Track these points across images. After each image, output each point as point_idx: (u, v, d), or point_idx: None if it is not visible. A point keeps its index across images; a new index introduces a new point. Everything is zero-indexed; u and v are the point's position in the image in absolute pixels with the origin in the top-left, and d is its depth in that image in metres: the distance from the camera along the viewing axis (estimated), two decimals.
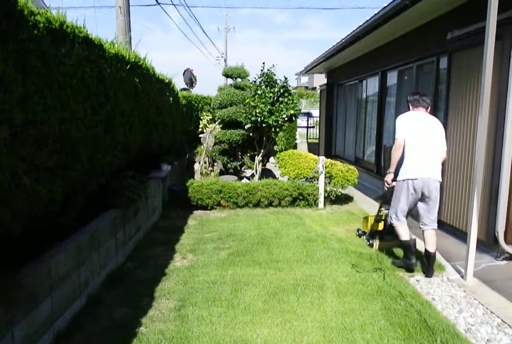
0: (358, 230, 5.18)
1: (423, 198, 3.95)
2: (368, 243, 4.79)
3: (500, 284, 3.69)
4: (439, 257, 4.34)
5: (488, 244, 4.41)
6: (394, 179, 4.10)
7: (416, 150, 3.91)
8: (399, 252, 4.45)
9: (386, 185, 4.18)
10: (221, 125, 8.81)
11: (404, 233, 4.08)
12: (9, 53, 2.11)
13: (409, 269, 4.01)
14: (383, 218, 4.62)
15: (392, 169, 4.08)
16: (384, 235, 4.61)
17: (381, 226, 4.63)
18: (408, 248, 4.05)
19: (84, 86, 3.07)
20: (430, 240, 3.96)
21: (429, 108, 4.13)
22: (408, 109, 4.18)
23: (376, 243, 4.64)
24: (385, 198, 4.54)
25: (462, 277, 3.85)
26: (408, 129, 3.97)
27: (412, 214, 4.18)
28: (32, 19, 2.35)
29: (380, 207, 4.68)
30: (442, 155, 4.01)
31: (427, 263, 3.95)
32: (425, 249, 3.97)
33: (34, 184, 2.32)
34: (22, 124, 2.20)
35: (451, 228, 5.20)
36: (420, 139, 3.92)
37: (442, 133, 4.03)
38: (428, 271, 3.94)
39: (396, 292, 3.50)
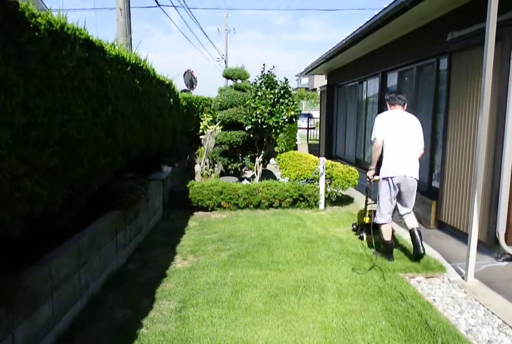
0: (353, 224, 5.45)
1: (400, 193, 4.25)
2: (358, 236, 5.10)
3: (501, 285, 3.69)
4: (439, 258, 4.34)
5: (488, 245, 4.40)
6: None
7: (393, 149, 4.18)
8: (398, 251, 4.46)
9: (367, 180, 4.62)
10: (221, 127, 8.82)
11: (386, 233, 4.33)
12: (10, 56, 2.12)
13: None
14: (368, 213, 4.92)
15: (372, 166, 4.49)
16: (372, 228, 4.72)
17: (368, 219, 4.90)
18: (387, 247, 4.34)
19: (85, 88, 3.07)
20: (410, 221, 4.30)
21: (406, 105, 4.38)
22: (386, 108, 4.45)
23: (365, 235, 4.96)
24: (369, 193, 4.86)
25: (463, 278, 3.85)
26: (385, 129, 4.22)
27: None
28: (33, 21, 2.36)
29: (366, 201, 4.95)
30: (419, 152, 4.27)
31: (417, 239, 4.15)
32: (409, 229, 4.26)
33: (35, 186, 2.32)
34: (23, 126, 2.21)
35: (452, 229, 5.20)
36: (397, 139, 4.18)
37: (418, 130, 4.28)
38: (418, 247, 4.12)
39: (397, 293, 3.50)
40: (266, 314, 3.15)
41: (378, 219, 4.34)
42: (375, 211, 4.58)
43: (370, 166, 4.55)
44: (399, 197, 4.29)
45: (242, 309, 3.23)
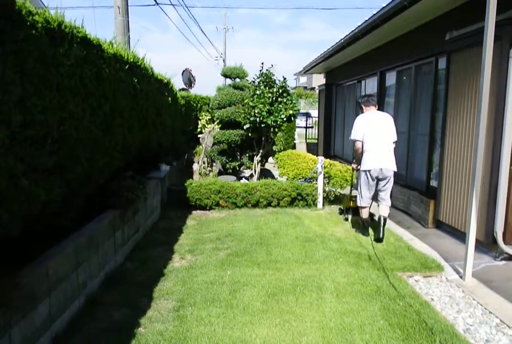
0: (339, 208, 6.32)
1: (378, 182, 4.99)
2: (344, 217, 5.98)
3: (498, 284, 3.70)
4: (437, 257, 4.35)
5: (486, 244, 4.41)
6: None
7: (370, 145, 4.90)
8: (397, 251, 4.47)
9: (351, 169, 5.70)
10: (220, 125, 8.81)
11: (364, 213, 5.23)
12: (7, 54, 2.10)
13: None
14: (353, 198, 5.74)
15: (355, 161, 5.31)
16: (356, 210, 5.63)
17: (353, 203, 5.69)
18: (364, 224, 5.24)
19: (83, 86, 3.06)
20: (382, 210, 5.07)
21: (377, 105, 5.22)
22: (362, 110, 5.23)
23: (350, 217, 5.88)
24: (352, 183, 5.97)
25: (460, 277, 3.86)
26: (364, 130, 4.95)
27: (372, 197, 5.19)
28: (30, 19, 2.34)
29: (351, 187, 6.02)
30: (392, 146, 4.99)
31: (380, 226, 4.91)
32: (378, 216, 5.04)
33: (32, 185, 2.32)
34: (21, 125, 2.20)
35: (449, 228, 5.21)
36: (373, 137, 4.89)
37: (392, 127, 5.01)
38: (379, 233, 4.88)
39: (395, 293, 3.51)
40: (264, 313, 3.14)
41: (359, 203, 5.18)
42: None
43: (354, 160, 5.44)
44: (377, 185, 5.03)
45: (240, 308, 3.23)
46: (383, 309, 3.22)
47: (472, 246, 3.76)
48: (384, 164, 4.86)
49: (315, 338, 2.80)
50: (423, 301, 3.37)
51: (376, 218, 5.27)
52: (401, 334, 2.85)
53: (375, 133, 4.91)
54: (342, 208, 6.22)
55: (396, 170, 4.95)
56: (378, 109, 5.29)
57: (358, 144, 5.04)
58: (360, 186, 5.12)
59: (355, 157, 5.29)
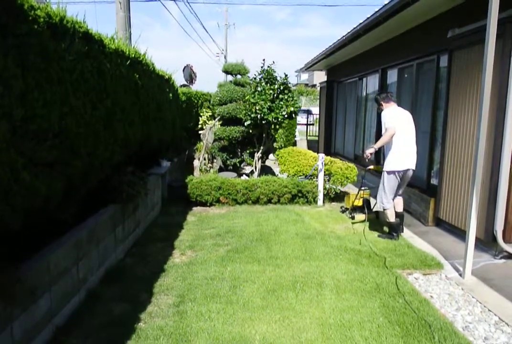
0: (341, 207, 6.25)
1: (400, 182, 4.87)
2: (350, 216, 5.83)
3: (498, 282, 3.71)
4: (437, 255, 4.36)
5: (486, 242, 4.42)
6: (376, 165, 5.21)
7: (401, 143, 4.69)
8: (396, 248, 4.47)
9: (365, 156, 4.93)
10: (220, 122, 8.80)
11: (391, 215, 4.92)
12: (9, 48, 2.10)
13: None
14: (362, 196, 5.70)
15: (376, 146, 4.86)
16: (363, 209, 5.60)
17: (360, 202, 5.68)
18: (393, 227, 4.94)
19: (84, 81, 3.06)
20: (398, 204, 5.02)
21: (396, 102, 4.97)
22: (381, 107, 4.95)
23: (357, 216, 5.70)
24: (363, 179, 5.77)
25: (460, 275, 3.86)
26: (397, 121, 4.69)
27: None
28: (32, 13, 2.33)
29: (361, 187, 5.74)
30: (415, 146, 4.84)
31: (402, 222, 5.01)
32: (395, 211, 4.93)
33: (33, 180, 2.32)
34: (22, 119, 2.20)
35: (449, 226, 5.21)
36: (403, 133, 4.70)
37: (413, 124, 4.85)
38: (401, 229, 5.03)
39: (394, 290, 3.51)
40: (263, 309, 3.15)
41: (386, 205, 4.88)
42: (366, 199, 5.68)
43: (374, 145, 4.93)
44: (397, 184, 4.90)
45: (240, 304, 3.24)
46: (382, 306, 3.23)
47: (472, 244, 3.76)
48: (412, 165, 4.78)
49: (315, 335, 2.81)
50: (422, 298, 3.38)
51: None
52: (400, 331, 2.86)
53: (404, 130, 4.73)
54: (346, 206, 6.11)
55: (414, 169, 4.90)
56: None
57: (393, 131, 4.65)
58: (385, 188, 4.84)
59: (380, 141, 4.79)
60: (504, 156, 4.17)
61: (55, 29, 2.62)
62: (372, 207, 5.69)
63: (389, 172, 4.77)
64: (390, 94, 5.00)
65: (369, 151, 4.88)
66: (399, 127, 4.67)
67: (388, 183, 4.81)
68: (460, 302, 3.38)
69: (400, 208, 5.06)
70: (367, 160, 5.24)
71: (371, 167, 5.11)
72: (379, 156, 7.35)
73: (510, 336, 2.84)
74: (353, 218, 5.75)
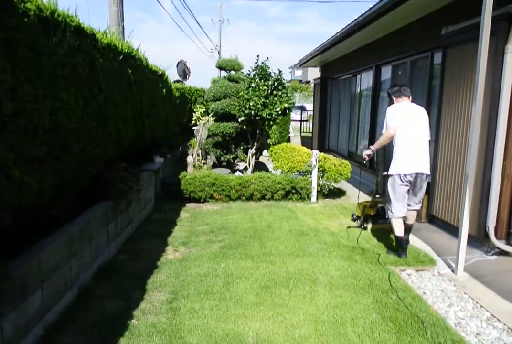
0: (352, 215, 5.56)
1: (410, 187, 4.18)
2: (362, 226, 5.14)
3: (490, 278, 3.73)
4: (430, 252, 4.38)
5: (479, 239, 4.44)
6: (385, 171, 4.37)
7: (405, 144, 4.09)
8: (390, 245, 4.49)
9: (363, 158, 4.56)
10: (214, 118, 8.76)
11: (398, 229, 4.22)
12: None
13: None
14: (376, 204, 5.08)
15: (373, 148, 4.41)
16: (376, 218, 5.08)
17: (373, 211, 5.07)
18: (400, 244, 4.24)
19: (76, 76, 3.02)
20: (410, 217, 4.31)
21: (410, 97, 4.34)
22: (392, 102, 4.38)
23: (369, 225, 5.10)
24: (379, 186, 5.05)
25: (452, 271, 3.88)
26: (398, 122, 4.12)
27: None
28: (22, 6, 2.29)
29: (375, 194, 5.10)
30: (427, 146, 4.19)
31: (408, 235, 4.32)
32: (404, 222, 4.25)
33: (24, 175, 2.28)
34: (12, 114, 2.16)
35: (442, 223, 5.23)
36: (409, 133, 4.10)
37: (427, 123, 4.23)
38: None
39: (387, 286, 3.52)
40: (257, 306, 3.15)
41: (393, 215, 4.19)
42: (382, 207, 5.01)
43: (371, 146, 4.47)
44: (409, 191, 4.22)
45: (234, 300, 3.23)
46: (375, 302, 3.24)
47: (464, 241, 3.78)
48: (421, 168, 4.08)
49: (308, 331, 2.81)
50: (415, 294, 3.40)
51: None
52: (393, 327, 2.87)
53: (411, 129, 4.10)
54: (357, 214, 5.42)
55: (429, 174, 4.21)
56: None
57: (391, 131, 4.13)
58: (390, 194, 4.22)
59: (378, 143, 4.34)
60: (497, 153, 4.19)
61: (46, 22, 2.58)
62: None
63: (392, 176, 4.17)
64: (404, 88, 4.34)
65: (366, 153, 4.49)
66: (402, 126, 4.10)
67: (393, 188, 4.17)
68: (453, 298, 3.40)
69: (411, 220, 4.34)
70: (364, 162, 4.77)
71: (386, 173, 4.32)
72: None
73: (502, 332, 2.86)
74: (365, 228, 5.10)
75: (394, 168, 4.14)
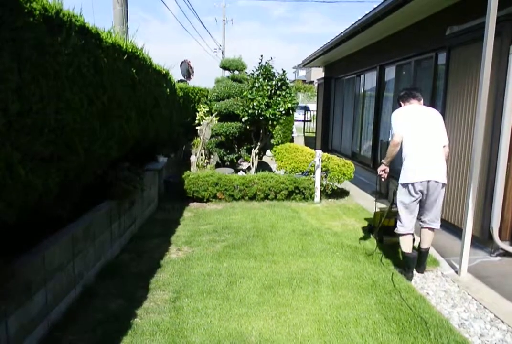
0: (369, 225, 5.14)
1: (422, 198, 3.73)
2: (378, 238, 4.69)
3: (493, 280, 3.72)
4: (433, 252, 4.37)
5: (482, 240, 4.43)
6: (391, 175, 4.05)
7: (414, 150, 3.67)
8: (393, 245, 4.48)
9: (379, 174, 4.07)
10: (218, 118, 8.77)
11: (405, 244, 3.81)
12: (4, 41, 2.07)
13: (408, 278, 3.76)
14: (394, 214, 4.36)
15: (385, 161, 3.95)
16: (393, 231, 4.26)
17: (392, 222, 4.49)
18: (406, 261, 3.82)
19: (81, 76, 3.02)
20: (424, 238, 3.84)
21: (421, 100, 3.96)
22: (399, 106, 4.02)
23: (386, 238, 4.59)
24: (381, 187, 4.57)
25: (456, 272, 3.87)
26: (405, 125, 3.72)
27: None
28: (27, 6, 2.30)
29: (392, 203, 4.42)
30: (444, 151, 3.75)
31: (418, 260, 3.83)
32: (418, 246, 3.91)
33: (29, 175, 2.29)
34: (18, 113, 2.17)
35: (446, 223, 5.21)
36: (419, 137, 3.67)
37: (441, 126, 3.77)
38: (419, 268, 3.87)
39: (390, 287, 3.52)
40: (260, 306, 3.15)
41: (399, 229, 3.83)
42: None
43: (383, 160, 4.01)
44: (421, 203, 3.78)
45: (237, 300, 3.24)
46: (378, 303, 3.24)
47: (468, 242, 3.77)
48: (433, 175, 3.60)
49: (311, 331, 2.82)
50: (418, 295, 3.39)
51: (414, 242, 4.02)
52: (396, 327, 2.87)
53: (420, 133, 3.68)
54: (372, 224, 5.04)
55: (446, 182, 3.71)
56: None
57: (397, 139, 3.71)
58: (398, 206, 3.84)
59: (387, 155, 3.88)
60: (501, 154, 4.17)
61: (51, 22, 2.59)
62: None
63: (401, 185, 3.76)
64: (412, 91, 3.97)
65: (380, 168, 4.02)
66: (409, 131, 3.71)
67: (400, 199, 3.78)
68: (456, 299, 3.40)
69: (426, 244, 3.84)
70: (383, 179, 4.18)
71: (382, 168, 4.02)
72: None
73: (505, 333, 2.86)
74: (381, 240, 4.64)
75: (403, 177, 3.73)
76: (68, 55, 2.79)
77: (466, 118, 4.69)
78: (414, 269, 3.83)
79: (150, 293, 3.34)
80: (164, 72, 6.42)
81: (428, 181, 3.61)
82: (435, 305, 3.27)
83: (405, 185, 3.71)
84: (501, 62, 4.11)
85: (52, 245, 2.79)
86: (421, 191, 3.67)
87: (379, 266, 3.98)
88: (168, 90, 6.65)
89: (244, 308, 3.12)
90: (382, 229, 4.62)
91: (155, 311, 3.06)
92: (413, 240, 3.97)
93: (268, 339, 2.72)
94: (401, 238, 3.85)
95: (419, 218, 3.87)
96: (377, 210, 4.91)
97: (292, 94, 7.47)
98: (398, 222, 3.86)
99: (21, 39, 2.22)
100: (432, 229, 3.82)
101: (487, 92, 3.59)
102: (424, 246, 3.85)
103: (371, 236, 4.89)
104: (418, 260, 3.84)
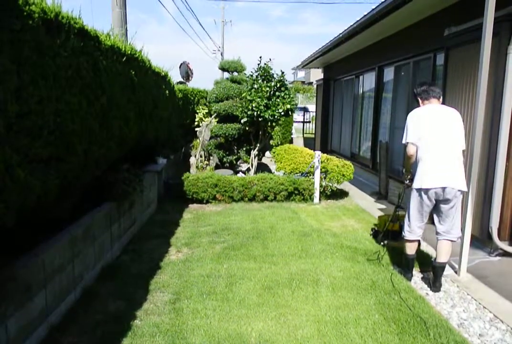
0: (372, 229, 4.97)
1: (437, 207, 3.53)
2: (382, 242, 4.57)
3: (493, 279, 3.72)
4: (433, 253, 4.36)
5: (482, 240, 4.43)
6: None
7: (430, 153, 3.46)
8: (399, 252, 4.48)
9: (405, 185, 3.94)
10: (217, 119, 8.78)
11: (410, 248, 3.74)
12: (3, 43, 2.08)
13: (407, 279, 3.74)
14: (398, 218, 4.47)
15: (406, 174, 3.86)
16: (397, 235, 4.30)
17: (396, 226, 4.48)
18: (406, 261, 3.80)
19: (80, 78, 3.03)
20: (440, 251, 3.58)
21: (441, 98, 3.70)
22: (418, 104, 3.75)
23: (390, 243, 4.48)
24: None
25: (455, 272, 3.88)
26: (420, 130, 3.51)
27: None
28: (26, 9, 2.31)
29: (397, 207, 4.46)
30: (462, 155, 3.54)
31: (433, 275, 3.60)
32: (434, 259, 3.65)
33: (28, 176, 2.30)
34: (17, 115, 2.18)
35: None
36: (435, 140, 3.46)
37: (460, 128, 3.54)
38: (433, 284, 3.57)
39: (390, 287, 3.52)
40: (260, 307, 3.16)
41: (406, 235, 3.68)
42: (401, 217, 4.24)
43: (404, 172, 3.93)
44: (436, 211, 3.57)
45: (236, 301, 3.24)
46: (378, 303, 3.24)
47: (467, 242, 3.78)
48: (450, 181, 3.37)
49: (311, 332, 2.82)
50: (418, 295, 3.39)
51: (429, 254, 3.98)
52: (396, 328, 2.87)
53: (437, 135, 3.46)
54: (376, 228, 4.87)
55: (466, 190, 3.48)
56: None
57: (412, 149, 3.54)
58: (409, 211, 3.67)
59: (406, 167, 3.85)
60: (500, 154, 4.18)
61: (50, 25, 2.60)
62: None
63: (415, 190, 3.57)
64: (432, 88, 3.65)
65: (405, 181, 3.93)
66: (425, 134, 3.49)
67: (413, 203, 3.60)
68: (455, 299, 3.40)
69: (442, 257, 3.56)
70: (409, 184, 3.86)
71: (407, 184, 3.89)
72: None
73: (505, 333, 2.86)
74: (384, 245, 4.52)
75: (417, 181, 3.52)
76: (67, 57, 2.80)
77: (464, 117, 4.69)
78: (429, 288, 3.61)
79: (150, 295, 3.35)
80: (163, 73, 6.43)
81: (444, 188, 3.39)
82: (434, 305, 3.28)
83: (418, 190, 3.51)
84: (499, 62, 4.12)
85: (52, 246, 2.79)
86: (436, 198, 3.47)
87: (379, 266, 3.99)
88: (167, 91, 6.66)
89: (244, 309, 3.12)
90: (386, 234, 4.53)
91: (155, 312, 3.06)
92: (419, 244, 3.94)
93: (268, 340, 2.72)
94: (407, 243, 3.73)
95: (435, 229, 3.66)
96: (382, 214, 4.79)
97: (291, 95, 7.49)
98: (406, 227, 3.70)
99: (20, 41, 2.23)
100: (450, 241, 3.58)
101: (485, 92, 3.60)
102: (440, 259, 3.56)
103: (374, 239, 4.79)
104: (434, 276, 3.60)
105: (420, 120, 3.56)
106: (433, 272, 3.63)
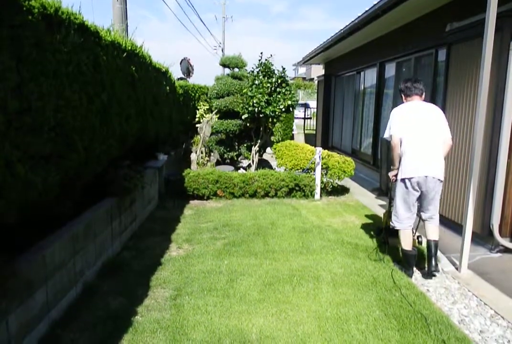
0: (378, 227, 4.84)
1: (421, 195, 3.74)
2: (383, 240, 4.46)
3: (494, 276, 3.72)
4: None
5: (483, 236, 4.43)
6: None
7: (413, 146, 3.67)
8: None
9: (390, 179, 4.01)
10: (218, 115, 8.77)
11: (404, 241, 3.79)
12: (3, 40, 2.07)
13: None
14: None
15: (394, 166, 3.90)
16: (396, 230, 4.04)
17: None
18: (406, 259, 3.81)
19: (80, 74, 3.03)
20: (429, 230, 3.81)
21: (423, 94, 3.88)
22: (402, 100, 3.95)
23: (391, 240, 4.27)
24: (382, 184, 4.47)
25: (456, 269, 3.88)
26: (402, 125, 3.73)
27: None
28: (26, 4, 2.30)
29: (390, 199, 4.35)
30: (445, 146, 3.72)
31: (431, 254, 3.70)
32: (427, 240, 3.80)
33: (28, 173, 2.30)
34: (17, 112, 2.17)
35: (446, 220, 5.21)
36: (417, 134, 3.68)
37: (442, 122, 3.74)
38: (430, 265, 3.68)
39: (391, 283, 3.53)
40: (260, 303, 3.16)
41: (395, 224, 3.82)
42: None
43: (392, 166, 3.96)
44: (420, 200, 3.79)
45: (237, 297, 3.25)
46: (379, 299, 3.24)
47: (468, 238, 3.77)
48: (431, 171, 3.61)
49: (311, 328, 2.82)
50: (418, 292, 3.40)
51: (423, 242, 4.01)
52: (397, 324, 2.88)
53: (419, 130, 3.68)
54: (381, 226, 4.70)
55: (443, 179, 3.72)
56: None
57: (395, 140, 3.74)
58: (395, 201, 3.86)
59: (392, 159, 3.89)
60: (502, 150, 4.17)
61: (50, 20, 2.59)
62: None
63: (399, 181, 3.79)
64: (415, 84, 3.85)
65: (391, 174, 3.96)
66: (407, 129, 3.71)
67: (400, 195, 3.78)
68: (456, 295, 3.40)
69: (432, 235, 3.79)
70: (393, 183, 4.02)
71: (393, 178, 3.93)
72: None
73: (506, 329, 2.86)
74: (385, 242, 4.35)
75: (401, 173, 3.74)
76: (67, 53, 2.79)
77: (466, 114, 4.69)
78: (427, 270, 3.72)
79: (151, 291, 3.35)
80: (164, 69, 6.41)
81: (426, 177, 3.62)
82: (435, 301, 3.28)
83: (403, 180, 3.73)
84: (501, 58, 4.10)
85: (53, 243, 2.79)
86: (420, 187, 3.67)
87: (380, 263, 3.99)
88: (168, 88, 6.65)
89: (245, 305, 3.12)
90: (386, 230, 4.38)
91: (155, 308, 3.07)
92: (419, 239, 4.03)
93: (269, 336, 2.72)
94: (400, 234, 3.82)
95: (419, 216, 3.89)
96: (383, 210, 4.68)
97: (292, 92, 7.47)
98: (394, 217, 3.86)
99: (20, 37, 2.22)
100: (434, 224, 3.84)
101: (487, 88, 3.58)
102: (431, 237, 3.77)
103: (377, 236, 4.69)
104: (428, 256, 3.72)
105: (403, 116, 3.80)
106: (427, 251, 3.78)
